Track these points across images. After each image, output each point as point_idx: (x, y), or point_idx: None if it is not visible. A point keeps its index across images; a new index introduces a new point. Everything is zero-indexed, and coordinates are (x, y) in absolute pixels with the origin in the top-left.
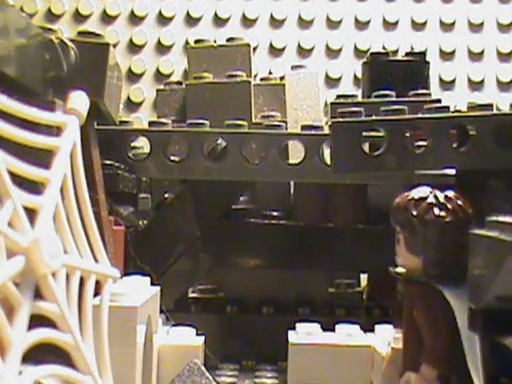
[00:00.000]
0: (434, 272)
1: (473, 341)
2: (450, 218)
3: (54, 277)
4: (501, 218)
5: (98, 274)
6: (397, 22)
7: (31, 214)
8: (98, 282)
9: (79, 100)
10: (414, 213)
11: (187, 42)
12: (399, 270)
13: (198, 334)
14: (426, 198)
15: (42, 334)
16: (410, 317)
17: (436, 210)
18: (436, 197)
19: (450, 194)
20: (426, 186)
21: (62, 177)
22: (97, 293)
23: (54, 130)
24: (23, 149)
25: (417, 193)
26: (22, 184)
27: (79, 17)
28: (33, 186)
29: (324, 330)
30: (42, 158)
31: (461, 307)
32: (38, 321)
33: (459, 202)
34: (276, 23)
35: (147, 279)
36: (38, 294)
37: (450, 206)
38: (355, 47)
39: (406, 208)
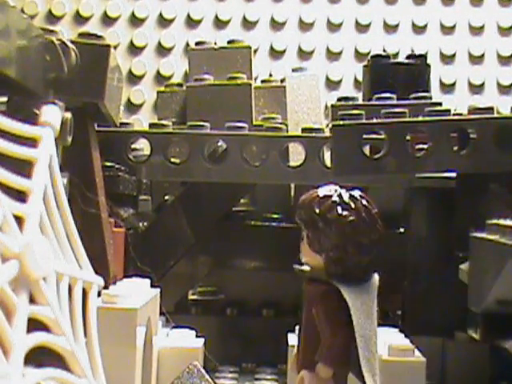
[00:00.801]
0: (334, 271)
1: (368, 340)
2: (353, 217)
3: (44, 282)
4: (501, 222)
5: (84, 281)
6: (397, 25)
7: (17, 221)
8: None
9: (52, 113)
10: (317, 210)
11: (188, 44)
12: (303, 267)
13: (197, 336)
14: (330, 196)
15: (41, 338)
16: (309, 315)
17: (339, 209)
18: (340, 196)
19: (356, 193)
20: (332, 184)
21: (44, 187)
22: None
23: (30, 141)
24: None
25: (322, 191)
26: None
27: (80, 18)
28: (11, 195)
29: None
30: (18, 167)
31: (358, 307)
32: (32, 325)
33: (364, 202)
34: (277, 25)
35: (147, 281)
36: (30, 299)
37: (353, 206)
38: (356, 50)
39: (310, 205)
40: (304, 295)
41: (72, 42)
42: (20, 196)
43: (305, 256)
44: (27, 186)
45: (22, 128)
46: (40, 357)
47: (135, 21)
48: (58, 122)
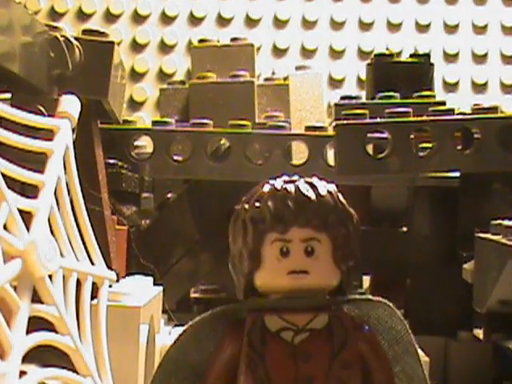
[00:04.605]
0: (349, 287)
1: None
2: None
3: (50, 279)
4: (505, 222)
5: (94, 276)
6: (401, 24)
7: (27, 217)
8: (94, 284)
9: (70, 103)
10: (341, 206)
11: (190, 42)
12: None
13: None
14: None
15: (41, 337)
16: (346, 354)
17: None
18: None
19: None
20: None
21: (56, 180)
22: (94, 295)
23: (47, 134)
24: (16, 153)
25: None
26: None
27: (82, 15)
28: (27, 190)
29: None
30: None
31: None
32: (36, 323)
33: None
34: (280, 23)
35: (150, 279)
36: (35, 297)
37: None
38: (359, 48)
39: (335, 203)
40: (316, 335)
41: (76, 38)
42: (24, 191)
43: (318, 275)
44: (39, 179)
45: (39, 120)
46: (46, 355)
47: (138, 18)
48: (77, 113)
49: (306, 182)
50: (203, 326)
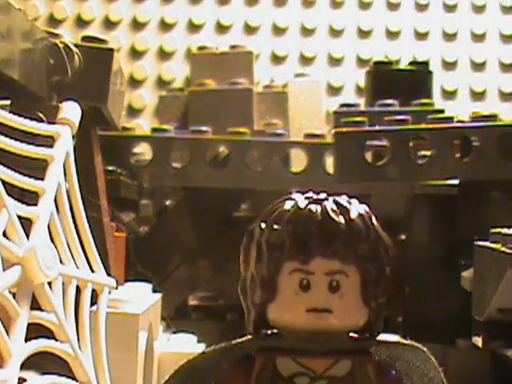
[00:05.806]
0: (378, 328)
1: None
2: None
3: (50, 286)
4: (504, 230)
5: (94, 283)
6: (399, 32)
7: (26, 223)
8: (94, 291)
9: (71, 110)
10: (375, 234)
11: (189, 49)
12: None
13: (198, 342)
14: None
15: (40, 344)
16: None
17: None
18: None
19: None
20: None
21: (56, 186)
22: (93, 302)
23: (47, 140)
24: (16, 159)
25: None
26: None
27: (81, 22)
28: (27, 196)
29: None
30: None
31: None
32: (35, 330)
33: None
34: (278, 31)
35: (149, 286)
36: (34, 304)
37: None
38: (358, 56)
39: (368, 230)
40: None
41: (75, 45)
42: (23, 197)
43: (342, 315)
44: (40, 186)
45: (40, 126)
46: (46, 362)
47: (137, 25)
48: (77, 119)
49: (334, 203)
50: (204, 361)
